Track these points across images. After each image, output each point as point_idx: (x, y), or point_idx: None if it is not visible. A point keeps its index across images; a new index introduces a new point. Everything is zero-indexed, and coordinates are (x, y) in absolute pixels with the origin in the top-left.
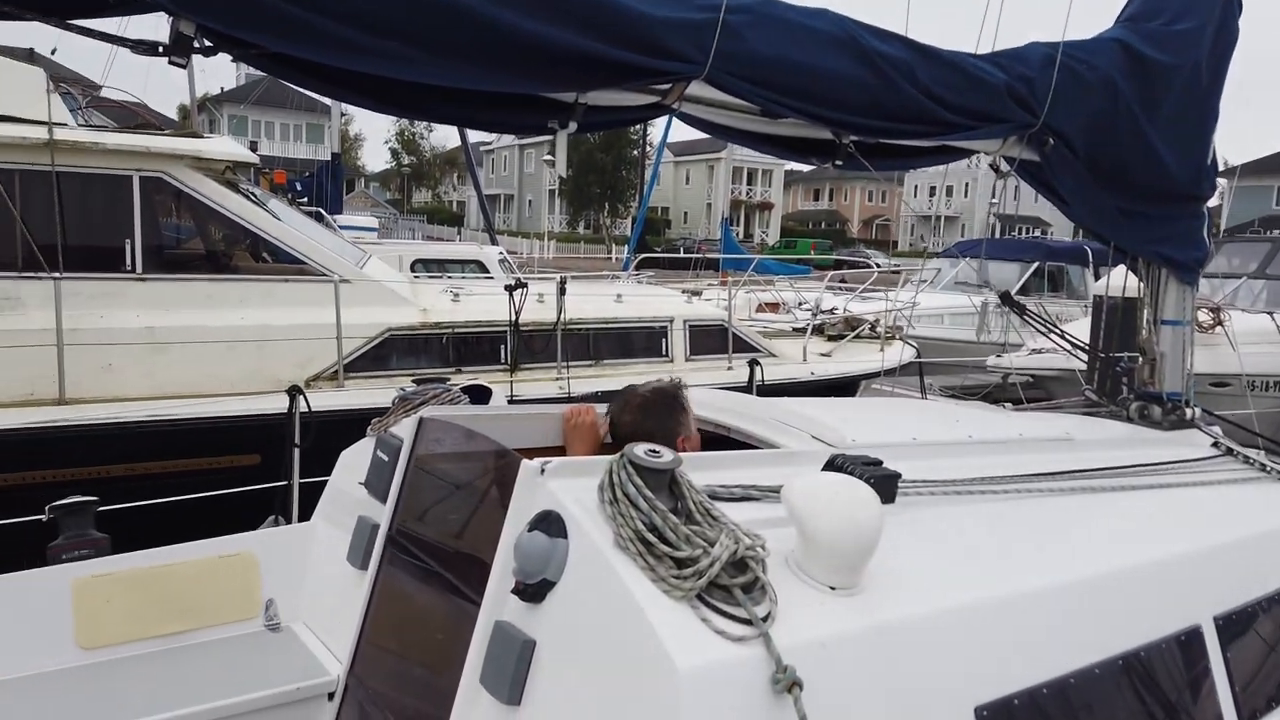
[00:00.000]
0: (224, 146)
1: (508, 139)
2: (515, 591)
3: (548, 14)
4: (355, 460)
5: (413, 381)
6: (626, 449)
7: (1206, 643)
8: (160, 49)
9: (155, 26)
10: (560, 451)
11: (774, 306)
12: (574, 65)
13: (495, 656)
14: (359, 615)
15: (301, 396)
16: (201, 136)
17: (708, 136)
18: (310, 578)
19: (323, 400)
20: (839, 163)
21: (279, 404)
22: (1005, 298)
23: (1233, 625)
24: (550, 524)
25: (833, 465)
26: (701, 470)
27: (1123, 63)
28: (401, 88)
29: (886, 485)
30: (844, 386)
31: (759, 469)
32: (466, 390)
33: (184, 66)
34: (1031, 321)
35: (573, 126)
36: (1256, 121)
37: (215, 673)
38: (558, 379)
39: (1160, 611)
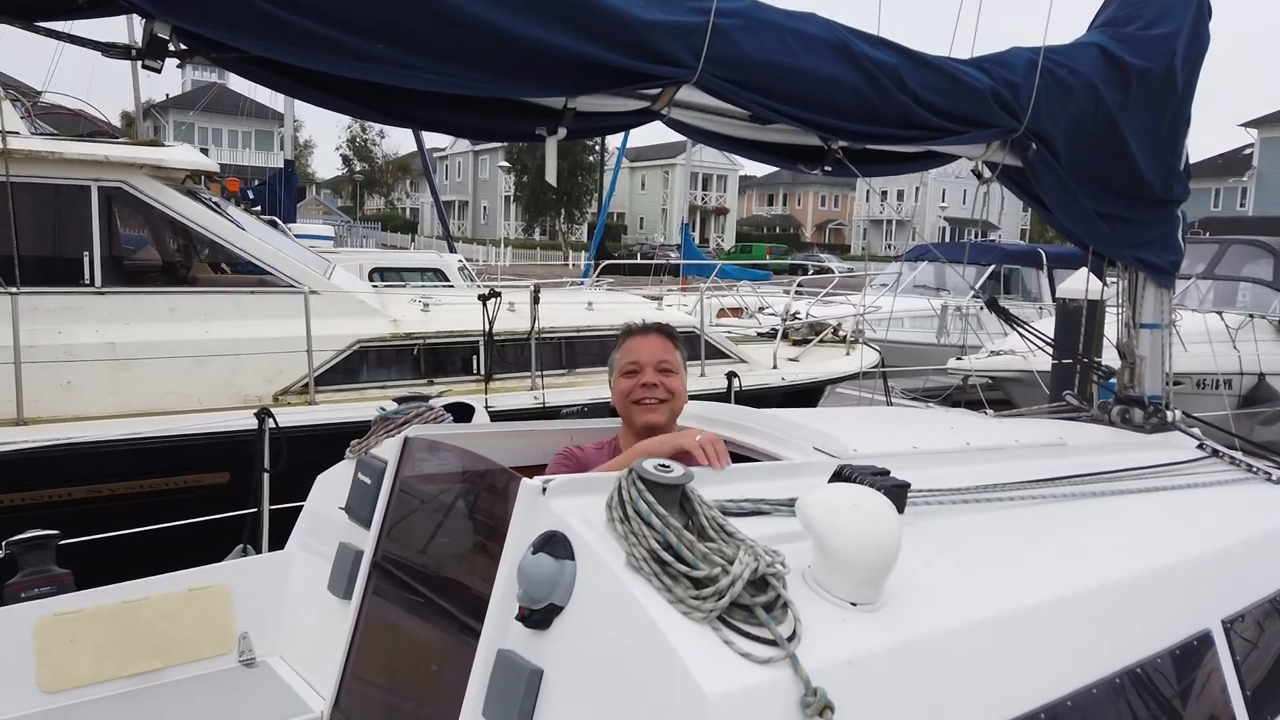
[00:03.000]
0: (185, 155)
1: (462, 144)
2: (520, 618)
3: (537, 16)
4: (333, 484)
5: (393, 400)
6: (635, 464)
7: (1217, 646)
8: (134, 52)
9: (112, 26)
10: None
11: (736, 311)
12: (564, 69)
13: (499, 687)
14: (343, 648)
15: (271, 419)
16: (162, 144)
17: (662, 141)
18: (287, 609)
19: (294, 417)
20: (828, 169)
21: (248, 419)
22: (992, 304)
23: (1239, 628)
24: (556, 545)
25: (840, 476)
26: (709, 485)
27: (1103, 67)
28: (386, 93)
29: (897, 495)
30: (812, 391)
31: (766, 482)
32: (449, 408)
33: (159, 70)
34: (1017, 327)
35: (562, 133)
36: (1195, 127)
37: (189, 712)
38: (532, 389)
39: (1173, 616)
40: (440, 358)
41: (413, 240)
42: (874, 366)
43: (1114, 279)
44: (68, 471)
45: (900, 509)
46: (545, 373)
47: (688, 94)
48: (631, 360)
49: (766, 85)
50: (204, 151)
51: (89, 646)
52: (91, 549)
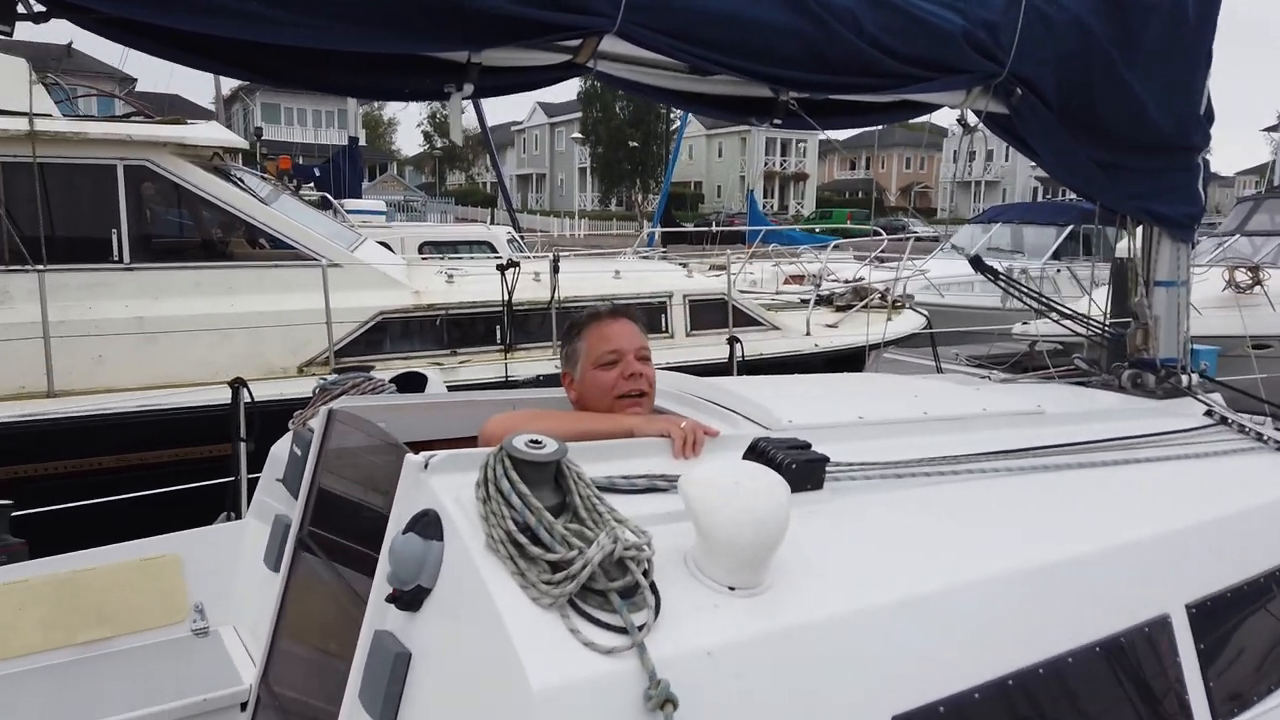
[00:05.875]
0: (209, 132)
1: (539, 116)
2: (390, 599)
3: None
4: (282, 455)
5: (334, 370)
6: (506, 440)
7: (1176, 634)
8: None
9: None
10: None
11: (800, 279)
12: (464, 21)
13: (372, 670)
14: (271, 620)
15: (245, 389)
16: (184, 123)
17: None
18: (240, 579)
19: (304, 388)
20: (777, 121)
21: (273, 391)
22: (976, 262)
23: (1207, 614)
24: (427, 525)
25: (754, 450)
26: (605, 460)
27: (1094, 1)
28: (270, 53)
29: (811, 470)
30: (849, 358)
31: (672, 456)
32: (398, 378)
33: (9, 35)
34: (1005, 287)
35: (468, 89)
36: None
37: (130, 682)
38: (553, 358)
39: (1119, 602)
40: (463, 328)
41: (491, 214)
42: (921, 330)
43: None
44: (95, 442)
45: (817, 484)
46: None
47: (612, 45)
48: (611, 349)
49: (698, 34)
50: (259, 130)
51: (36, 615)
52: (80, 519)
